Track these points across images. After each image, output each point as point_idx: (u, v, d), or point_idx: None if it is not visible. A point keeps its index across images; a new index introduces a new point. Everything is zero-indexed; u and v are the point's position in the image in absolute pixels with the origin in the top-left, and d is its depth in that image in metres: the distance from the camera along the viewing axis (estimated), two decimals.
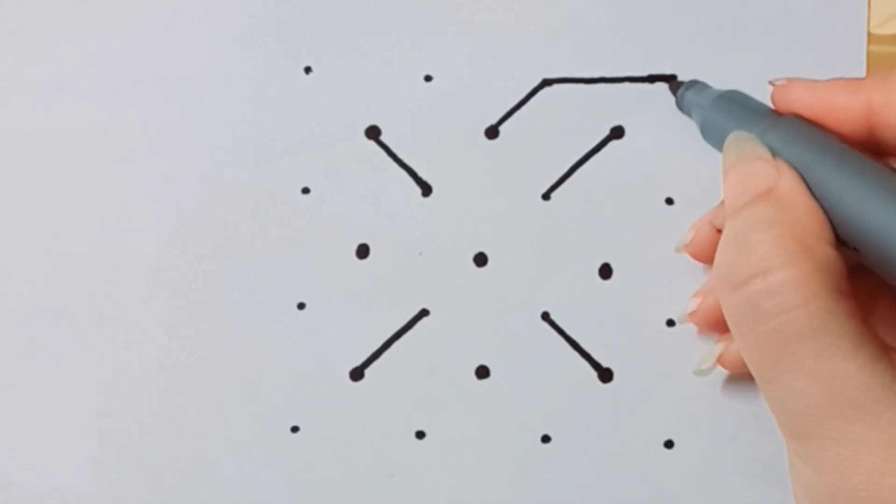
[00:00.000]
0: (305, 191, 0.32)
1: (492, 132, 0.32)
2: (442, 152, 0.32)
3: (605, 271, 0.31)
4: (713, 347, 0.29)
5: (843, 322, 0.22)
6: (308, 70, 0.32)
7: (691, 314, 0.29)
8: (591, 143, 0.31)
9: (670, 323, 0.30)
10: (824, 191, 0.23)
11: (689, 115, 0.29)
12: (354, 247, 0.31)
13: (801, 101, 0.25)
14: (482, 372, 0.31)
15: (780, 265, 0.22)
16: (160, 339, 0.31)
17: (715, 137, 0.27)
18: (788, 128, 0.25)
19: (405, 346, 0.31)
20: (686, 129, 0.31)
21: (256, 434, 0.31)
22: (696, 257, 0.30)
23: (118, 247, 0.31)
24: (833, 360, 0.22)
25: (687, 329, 0.30)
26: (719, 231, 0.28)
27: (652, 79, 0.31)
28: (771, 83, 0.27)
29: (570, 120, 0.31)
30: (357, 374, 0.31)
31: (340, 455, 0.30)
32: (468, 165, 0.31)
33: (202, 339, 0.31)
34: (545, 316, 0.31)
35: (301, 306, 0.31)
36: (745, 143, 0.25)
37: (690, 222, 0.30)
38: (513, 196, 0.31)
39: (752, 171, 0.24)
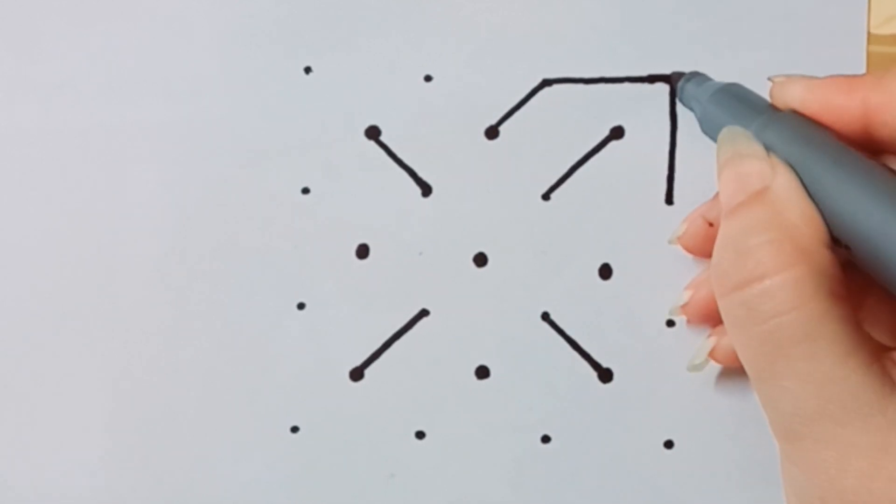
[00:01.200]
0: (305, 191, 0.32)
1: (492, 132, 0.32)
2: (442, 152, 0.31)
3: (605, 271, 0.31)
4: (705, 342, 0.29)
5: (836, 326, 0.22)
6: (308, 70, 0.32)
7: (683, 306, 0.29)
8: (591, 143, 0.31)
9: (670, 323, 0.30)
10: (819, 189, 0.24)
11: (689, 107, 0.29)
12: (354, 247, 0.31)
13: (799, 99, 0.26)
14: (482, 372, 0.31)
15: (776, 269, 0.22)
16: (160, 339, 0.31)
17: (714, 131, 0.27)
18: (785, 124, 0.25)
19: (405, 346, 0.31)
20: (686, 128, 0.31)
21: (256, 434, 0.31)
22: (689, 249, 0.30)
23: (118, 247, 0.31)
24: (825, 363, 0.22)
25: (687, 329, 0.30)
26: (711, 224, 0.29)
27: (652, 79, 0.31)
28: (770, 79, 0.27)
29: (570, 120, 0.31)
30: (357, 374, 0.31)
31: (340, 455, 0.30)
32: (468, 165, 0.31)
33: (202, 339, 0.31)
34: (545, 316, 0.31)
35: (301, 306, 0.31)
36: (738, 139, 0.25)
37: None
38: (513, 196, 0.31)
39: (747, 169, 0.24)
